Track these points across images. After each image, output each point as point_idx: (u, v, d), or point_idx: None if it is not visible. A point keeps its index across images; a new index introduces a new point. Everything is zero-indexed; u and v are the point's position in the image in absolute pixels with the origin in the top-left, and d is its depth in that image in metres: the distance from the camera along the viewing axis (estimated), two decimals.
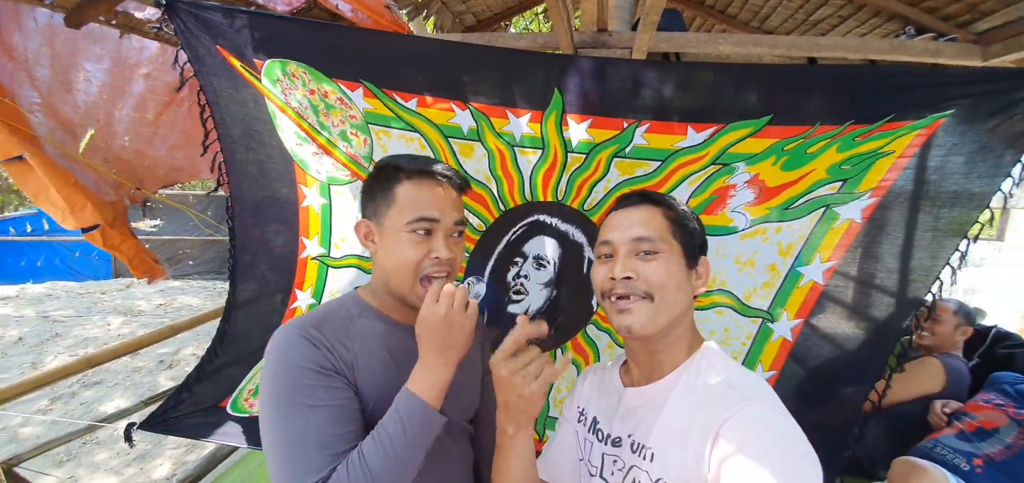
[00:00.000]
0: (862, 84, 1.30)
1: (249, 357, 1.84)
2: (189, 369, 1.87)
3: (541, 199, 1.60)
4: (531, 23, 7.38)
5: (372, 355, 0.97)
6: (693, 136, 1.38)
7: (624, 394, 0.97)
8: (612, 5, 2.00)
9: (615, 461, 0.93)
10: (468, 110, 1.46)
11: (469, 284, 1.73)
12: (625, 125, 1.40)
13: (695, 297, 0.95)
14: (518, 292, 1.72)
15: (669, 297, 0.88)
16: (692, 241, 0.94)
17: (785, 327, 1.59)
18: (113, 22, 2.15)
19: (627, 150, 1.44)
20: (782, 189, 1.43)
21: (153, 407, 1.88)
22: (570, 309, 1.72)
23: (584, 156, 1.48)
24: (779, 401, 0.81)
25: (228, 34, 1.46)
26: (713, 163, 1.41)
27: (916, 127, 1.30)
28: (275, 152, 1.67)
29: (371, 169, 1.06)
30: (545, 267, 1.69)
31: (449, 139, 1.53)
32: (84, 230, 2.09)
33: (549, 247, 1.66)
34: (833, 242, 1.48)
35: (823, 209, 1.44)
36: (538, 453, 1.05)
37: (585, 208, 1.60)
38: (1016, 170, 1.31)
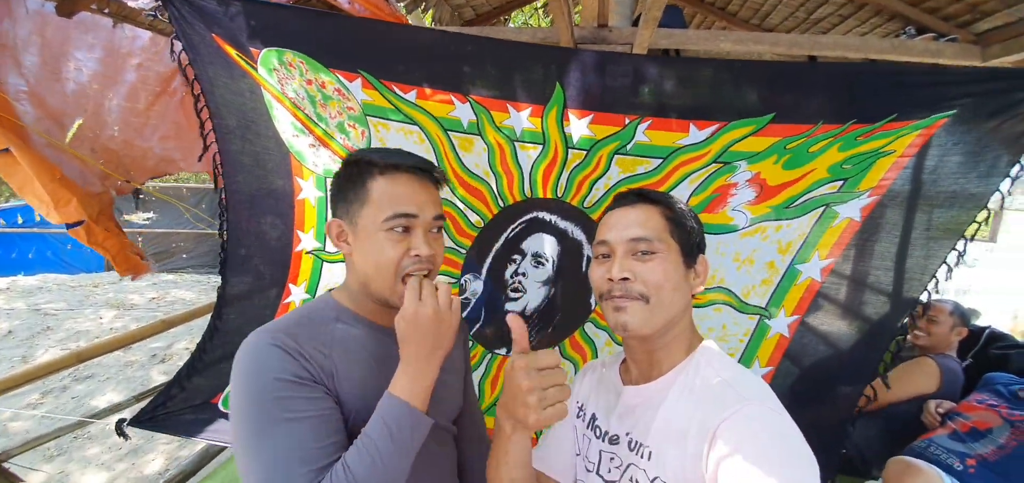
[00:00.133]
0: (865, 83, 1.29)
1: None
2: (182, 364, 1.85)
3: (541, 195, 1.59)
4: (530, 18, 7.35)
5: (353, 361, 0.92)
6: (695, 134, 1.37)
7: (623, 392, 0.97)
8: (613, 0, 1.98)
9: (612, 458, 0.93)
10: (468, 103, 1.45)
11: (466, 281, 1.74)
12: (627, 121, 1.39)
13: (693, 296, 0.95)
14: (516, 290, 1.70)
15: (666, 297, 0.87)
16: (690, 240, 0.93)
17: (782, 324, 1.59)
18: (106, 10, 2.11)
19: (628, 147, 1.43)
20: (783, 188, 1.43)
21: (145, 402, 1.86)
22: (568, 307, 1.71)
23: (585, 152, 1.46)
24: (777, 401, 0.81)
25: (223, 22, 1.43)
26: (714, 161, 1.41)
27: (918, 127, 1.30)
28: (271, 143, 1.64)
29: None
30: (543, 265, 1.68)
31: (448, 132, 1.52)
32: (69, 226, 2.06)
33: (548, 245, 1.65)
34: (831, 240, 1.48)
35: (823, 208, 1.44)
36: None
37: (585, 205, 1.58)
38: (1015, 170, 1.31)
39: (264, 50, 1.45)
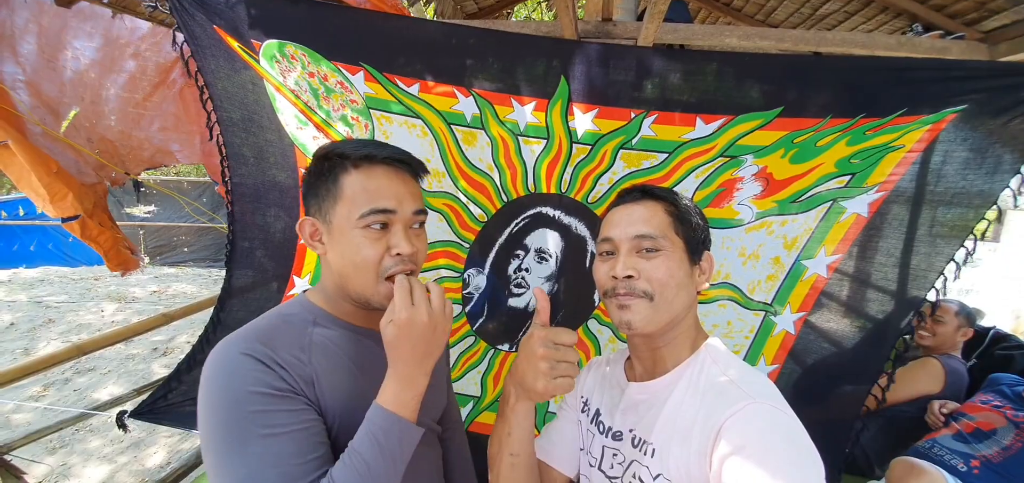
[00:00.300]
0: (875, 77, 1.28)
1: None
2: (183, 357, 1.84)
3: (544, 191, 1.58)
4: (533, 12, 7.31)
5: (335, 368, 0.86)
6: (702, 128, 1.36)
7: (627, 389, 0.96)
8: None
9: (615, 455, 0.92)
10: (471, 96, 1.43)
11: (469, 276, 1.74)
12: (633, 115, 1.37)
13: (698, 293, 0.94)
14: (519, 285, 1.69)
15: (670, 295, 0.86)
16: (695, 237, 0.92)
17: (788, 321, 1.58)
18: (105, 1, 2.10)
19: (634, 141, 1.42)
20: (790, 182, 1.41)
21: (146, 395, 1.86)
22: (571, 303, 1.70)
23: (589, 147, 1.45)
24: (783, 399, 0.80)
25: (225, 13, 1.42)
26: (721, 155, 1.39)
27: (928, 121, 1.28)
28: (274, 136, 1.64)
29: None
30: (547, 261, 1.66)
31: (452, 126, 1.50)
32: (64, 219, 2.06)
33: (551, 240, 1.64)
34: (838, 236, 1.47)
35: (830, 203, 1.43)
36: None
37: (589, 201, 1.57)
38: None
39: (266, 42, 1.43)
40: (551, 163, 1.52)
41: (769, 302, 1.57)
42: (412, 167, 0.90)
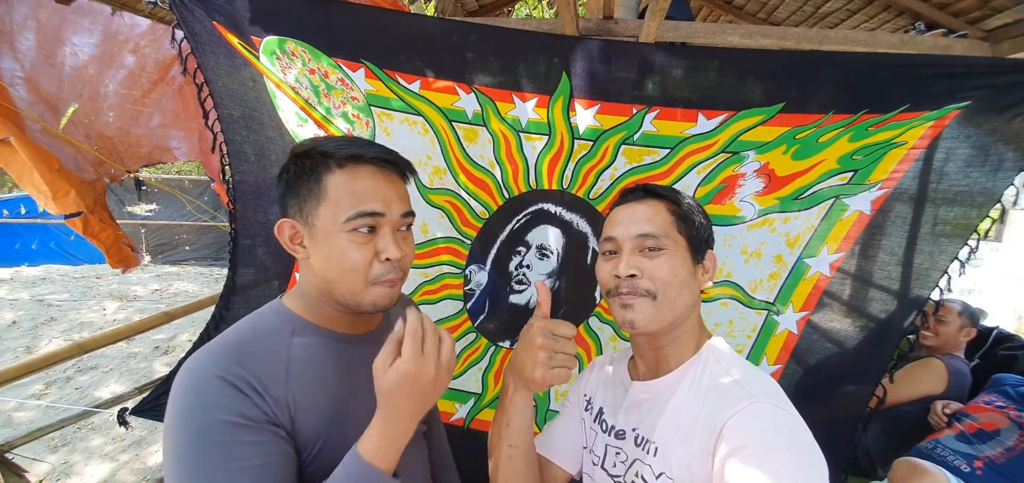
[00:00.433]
0: (878, 73, 1.27)
1: None
2: (184, 354, 1.84)
3: (546, 187, 1.57)
4: (534, 10, 7.31)
5: (316, 382, 0.81)
6: (703, 123, 1.35)
7: (631, 387, 0.96)
8: None
9: (618, 453, 0.92)
10: (473, 93, 1.43)
11: (471, 272, 1.73)
12: (634, 111, 1.37)
13: (702, 292, 0.94)
14: (520, 282, 1.69)
15: (673, 294, 0.86)
16: (698, 236, 0.92)
17: (791, 320, 1.57)
18: None
19: (635, 137, 1.41)
20: (792, 179, 1.41)
21: (147, 393, 1.86)
22: (573, 301, 1.70)
23: (591, 143, 1.45)
24: (786, 399, 0.79)
25: (224, 9, 1.42)
26: (723, 151, 1.39)
27: (931, 118, 1.28)
28: (275, 133, 1.63)
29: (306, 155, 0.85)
30: (548, 257, 1.66)
31: (453, 123, 1.50)
32: (67, 216, 2.06)
33: (553, 237, 1.64)
34: (841, 234, 1.46)
35: (832, 200, 1.42)
36: None
37: (590, 197, 1.57)
38: None
39: (265, 38, 1.43)
40: (553, 159, 1.51)
41: (771, 301, 1.56)
42: (399, 167, 0.86)
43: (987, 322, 2.61)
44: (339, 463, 0.76)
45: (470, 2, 3.31)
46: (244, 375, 0.74)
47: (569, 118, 1.41)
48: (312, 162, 0.81)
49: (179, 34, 1.48)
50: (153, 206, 9.02)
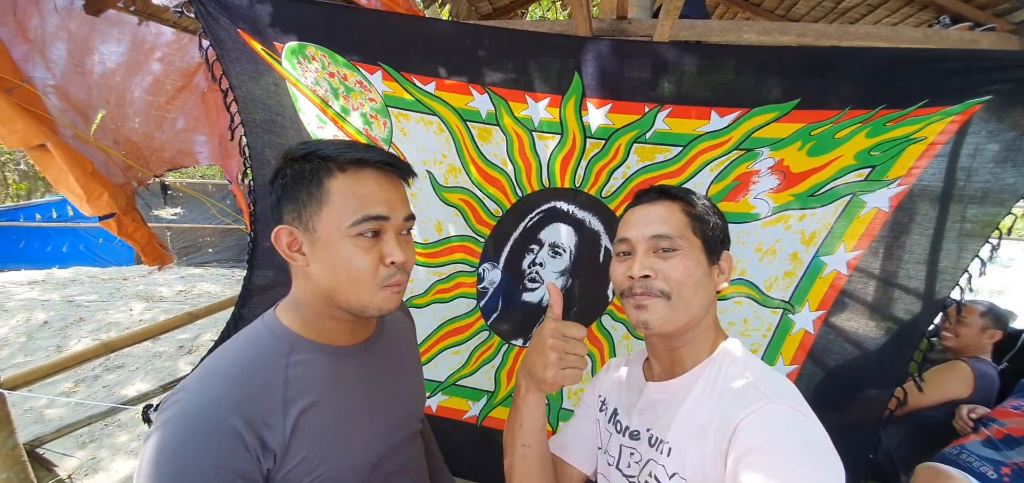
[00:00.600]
0: (895, 68, 1.25)
1: None
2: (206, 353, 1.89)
3: (559, 185, 1.58)
4: (548, 12, 7.32)
5: (315, 402, 0.80)
6: (717, 120, 1.35)
7: (645, 388, 0.96)
8: None
9: (632, 453, 0.92)
10: (486, 94, 1.45)
11: (484, 270, 1.75)
12: (647, 110, 1.37)
13: (718, 292, 0.93)
14: (533, 280, 1.70)
15: (688, 294, 0.86)
16: (713, 236, 0.92)
17: (807, 319, 1.55)
18: (132, 9, 2.17)
19: (648, 135, 1.41)
20: (807, 175, 1.39)
21: (171, 391, 1.91)
22: (585, 299, 1.70)
23: (603, 141, 1.45)
24: (803, 401, 0.78)
25: (248, 16, 1.46)
26: (736, 148, 1.38)
27: (950, 113, 1.25)
28: (295, 136, 1.68)
29: (330, 152, 0.82)
30: (561, 255, 1.67)
31: (467, 123, 1.52)
32: (101, 218, 2.13)
33: (565, 235, 1.64)
34: (859, 231, 1.43)
35: (849, 197, 1.40)
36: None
37: (603, 195, 1.57)
38: None
39: (288, 44, 1.47)
40: (565, 158, 1.52)
41: (787, 300, 1.54)
42: (401, 171, 0.84)
43: (1017, 324, 2.53)
44: (344, 477, 0.80)
45: (484, 5, 3.33)
46: (245, 420, 0.71)
47: (581, 117, 1.42)
48: (312, 166, 0.79)
49: (206, 42, 1.54)
50: (178, 210, 9.26)
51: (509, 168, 1.58)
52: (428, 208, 1.68)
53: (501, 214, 1.66)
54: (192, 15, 1.51)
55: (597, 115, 1.41)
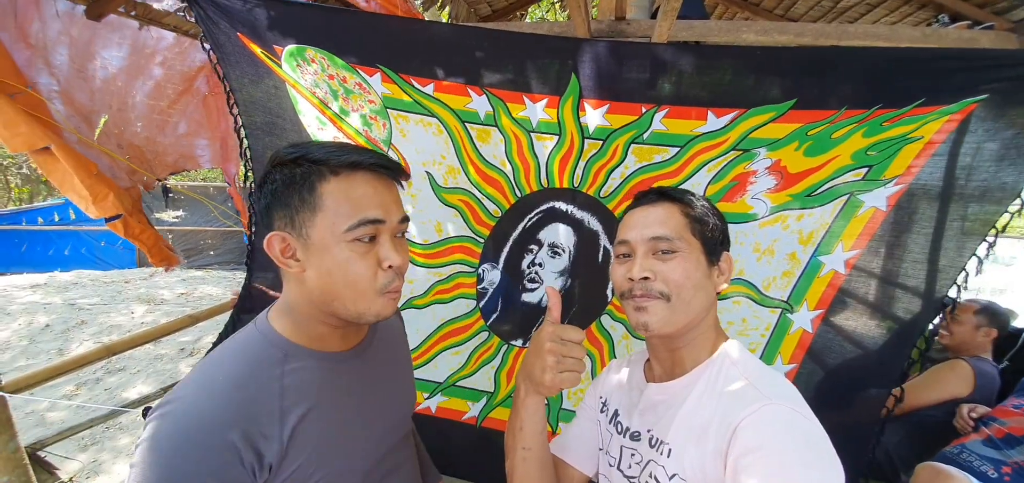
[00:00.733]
0: (891, 68, 1.25)
1: None
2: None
3: (557, 186, 1.59)
4: (547, 13, 7.33)
5: (311, 410, 0.78)
6: (713, 121, 1.35)
7: (646, 389, 0.96)
8: None
9: (633, 454, 0.92)
10: (484, 95, 1.46)
11: (484, 271, 1.75)
12: (643, 110, 1.37)
13: (718, 294, 0.94)
14: (532, 280, 1.70)
15: (687, 296, 0.86)
16: (712, 237, 0.92)
17: (805, 319, 1.55)
18: (132, 13, 2.19)
19: (645, 136, 1.42)
20: (804, 175, 1.39)
21: None
22: (585, 298, 1.70)
23: (601, 142, 1.46)
24: (803, 401, 0.78)
25: (247, 21, 1.47)
26: (733, 149, 1.38)
27: (947, 112, 1.25)
28: (295, 138, 1.69)
29: (321, 154, 0.79)
30: (560, 255, 1.67)
31: (466, 123, 1.53)
32: (107, 219, 2.14)
33: (564, 235, 1.65)
34: (856, 231, 1.44)
35: (847, 196, 1.40)
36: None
37: (601, 195, 1.58)
38: None
39: (287, 47, 1.48)
40: (563, 158, 1.53)
41: (785, 299, 1.54)
42: (394, 172, 0.82)
43: (1018, 323, 2.52)
44: (341, 481, 0.80)
45: (483, 7, 3.34)
46: (247, 435, 0.71)
47: (579, 118, 1.43)
48: (303, 171, 0.76)
49: (206, 45, 1.55)
50: (180, 212, 9.28)
51: (508, 169, 1.59)
52: (428, 209, 1.68)
53: (500, 214, 1.67)
54: (192, 19, 1.52)
55: (595, 116, 1.41)
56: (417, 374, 1.78)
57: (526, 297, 1.72)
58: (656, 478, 0.84)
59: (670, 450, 0.84)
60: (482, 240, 1.71)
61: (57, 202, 9.30)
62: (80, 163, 2.00)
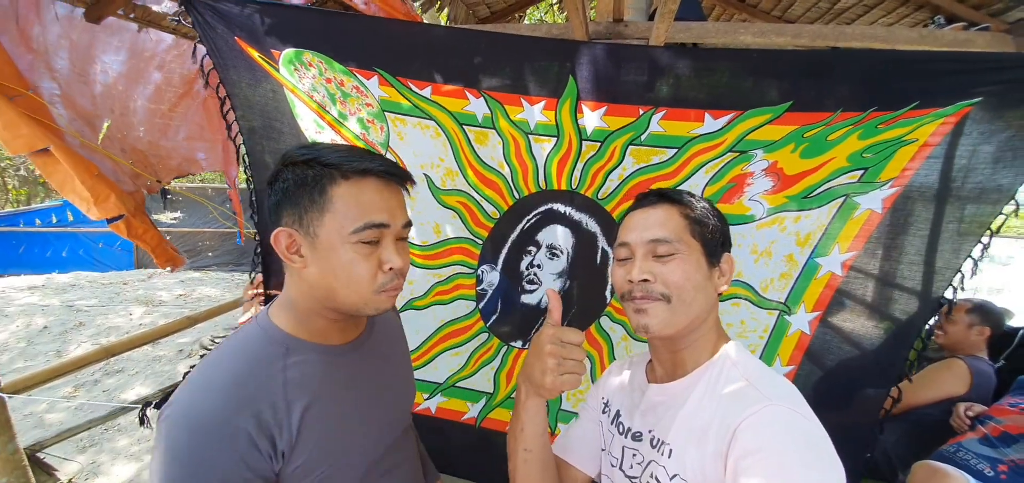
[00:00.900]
0: (886, 70, 1.26)
1: None
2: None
3: (555, 187, 1.59)
4: (545, 15, 7.34)
5: (313, 402, 0.81)
6: (710, 123, 1.36)
7: (647, 390, 0.97)
8: None
9: (634, 455, 0.93)
10: (482, 97, 1.46)
11: (483, 272, 1.76)
12: (641, 112, 1.38)
13: (719, 295, 0.94)
14: (531, 282, 1.71)
15: (687, 297, 0.86)
16: (712, 239, 0.92)
17: (803, 320, 1.56)
18: (131, 16, 2.19)
19: (642, 138, 1.42)
20: (801, 177, 1.40)
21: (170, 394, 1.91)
22: (583, 300, 1.71)
23: (599, 144, 1.46)
24: (803, 402, 0.79)
25: (245, 25, 1.47)
26: (730, 150, 1.39)
27: (941, 115, 1.26)
28: (293, 142, 1.68)
29: (333, 156, 0.82)
30: (558, 256, 1.68)
31: (463, 126, 1.53)
32: (109, 220, 2.13)
33: (562, 236, 1.65)
34: (852, 233, 1.45)
35: (843, 198, 1.41)
36: None
37: (599, 197, 1.58)
38: None
39: (284, 51, 1.48)
40: (561, 160, 1.53)
41: (783, 301, 1.55)
42: (401, 179, 0.86)
43: (1014, 322, 2.53)
44: (343, 476, 0.82)
45: (482, 9, 3.35)
46: (253, 424, 0.74)
47: (577, 120, 1.44)
48: (314, 172, 0.80)
49: (201, 50, 1.54)
50: (178, 214, 9.27)
51: (506, 171, 1.59)
52: (426, 211, 1.69)
53: (498, 216, 1.68)
54: (189, 24, 1.52)
55: (592, 118, 1.42)
56: (417, 375, 1.78)
57: (525, 298, 1.73)
58: (657, 478, 0.85)
59: (671, 451, 0.84)
60: (480, 241, 1.71)
61: (55, 204, 9.28)
62: (80, 164, 1.99)
